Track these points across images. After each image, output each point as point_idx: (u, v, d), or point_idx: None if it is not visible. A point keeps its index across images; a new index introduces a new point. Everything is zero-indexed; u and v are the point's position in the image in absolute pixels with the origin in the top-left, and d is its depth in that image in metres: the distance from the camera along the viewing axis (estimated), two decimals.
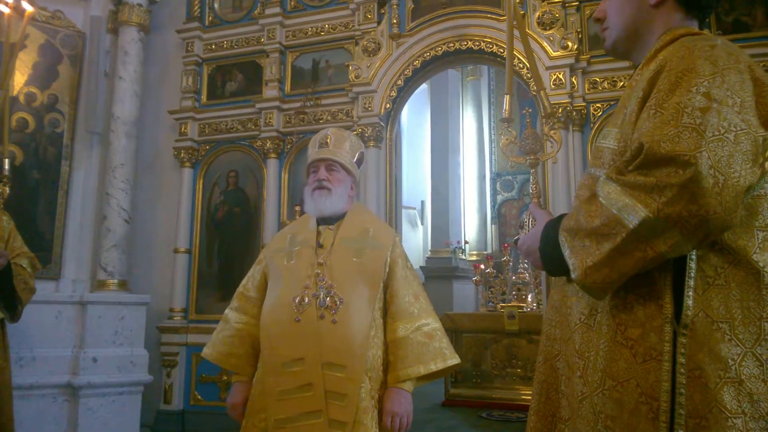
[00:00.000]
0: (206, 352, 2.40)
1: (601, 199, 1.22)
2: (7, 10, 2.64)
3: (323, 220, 2.38)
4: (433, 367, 2.20)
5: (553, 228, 1.37)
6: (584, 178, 1.43)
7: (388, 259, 2.31)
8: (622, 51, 1.53)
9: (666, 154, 1.11)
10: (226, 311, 2.45)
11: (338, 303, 2.16)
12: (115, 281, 5.08)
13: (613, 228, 1.18)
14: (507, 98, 1.58)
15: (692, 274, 1.20)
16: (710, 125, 1.11)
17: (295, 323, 2.14)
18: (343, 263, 2.25)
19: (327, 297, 2.16)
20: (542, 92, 1.58)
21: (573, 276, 1.26)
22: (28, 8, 2.71)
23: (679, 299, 1.20)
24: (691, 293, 1.19)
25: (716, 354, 1.16)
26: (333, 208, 2.35)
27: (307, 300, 2.17)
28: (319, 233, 2.35)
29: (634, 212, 1.14)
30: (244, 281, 2.49)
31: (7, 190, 2.71)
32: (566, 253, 1.28)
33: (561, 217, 1.38)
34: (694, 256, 1.20)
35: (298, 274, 2.24)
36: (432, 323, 2.28)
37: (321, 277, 2.21)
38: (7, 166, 2.68)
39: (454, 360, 2.26)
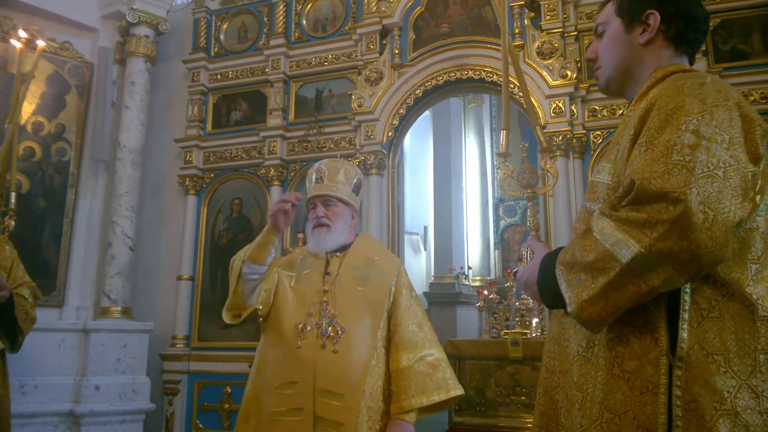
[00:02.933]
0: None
1: (595, 233, 1.25)
2: (19, 45, 2.71)
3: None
4: (436, 398, 2.20)
5: (550, 261, 1.39)
6: (580, 212, 1.46)
7: (393, 288, 2.33)
8: (615, 89, 1.57)
9: (657, 190, 1.14)
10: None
11: (340, 332, 2.18)
12: (119, 308, 5.09)
13: (607, 263, 1.20)
14: (503, 134, 1.62)
15: (687, 307, 1.22)
16: (699, 162, 1.14)
17: (295, 349, 2.18)
18: (348, 292, 2.28)
19: (329, 326, 2.19)
20: (537, 128, 1.62)
21: (569, 309, 1.28)
22: (41, 43, 2.79)
23: (674, 332, 1.22)
24: (686, 326, 1.21)
25: (712, 386, 1.18)
26: (335, 243, 2.38)
27: (309, 328, 2.20)
28: (327, 260, 2.38)
29: (627, 247, 1.17)
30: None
31: (13, 222, 2.74)
32: (563, 286, 1.30)
33: (558, 250, 1.41)
34: (688, 289, 1.22)
35: (304, 300, 2.28)
36: (436, 353, 2.28)
37: (325, 306, 2.24)
38: (13, 199, 2.72)
39: (457, 391, 2.25)
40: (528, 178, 1.59)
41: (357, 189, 2.53)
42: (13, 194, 2.65)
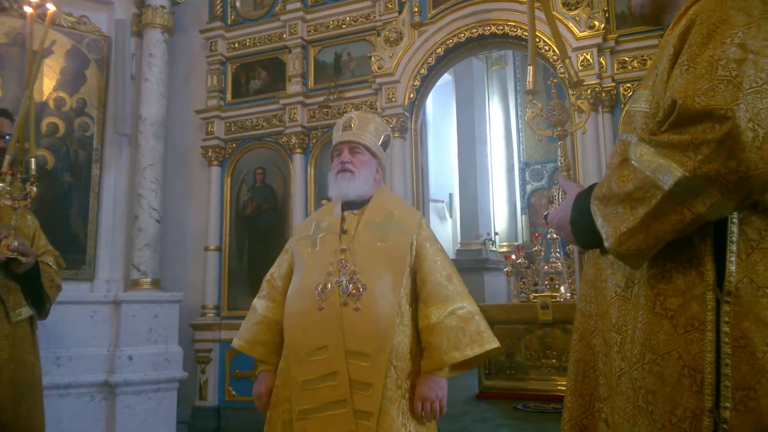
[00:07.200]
0: (234, 342, 2.35)
1: (633, 162, 1.16)
2: (30, 10, 2.66)
3: (348, 205, 2.32)
4: (470, 353, 2.07)
5: (584, 198, 1.32)
6: (616, 146, 1.37)
7: (414, 242, 2.22)
8: (650, 14, 1.46)
9: (701, 109, 1.05)
10: (254, 300, 2.40)
11: (361, 290, 2.08)
12: (148, 280, 5.14)
13: (647, 191, 1.12)
14: (530, 69, 1.52)
15: (734, 238, 1.13)
16: (747, 77, 1.05)
17: (317, 311, 2.08)
18: (367, 248, 2.18)
19: (350, 284, 2.09)
20: (566, 61, 1.52)
21: (606, 245, 1.20)
22: (51, 8, 2.74)
23: (721, 265, 1.14)
24: (734, 258, 1.13)
25: (763, 321, 1.10)
26: (357, 191, 2.29)
27: (329, 287, 2.10)
28: (343, 219, 2.29)
29: (669, 173, 1.08)
30: (271, 269, 2.45)
31: (35, 189, 2.72)
32: (598, 222, 1.23)
33: (592, 187, 1.33)
34: (735, 219, 1.13)
35: (322, 261, 2.18)
36: (467, 306, 2.15)
37: (344, 263, 2.14)
38: (33, 166, 2.70)
39: (492, 344, 2.12)
40: (558, 115, 1.50)
41: (385, 145, 2.45)
42: (32, 160, 2.63)
